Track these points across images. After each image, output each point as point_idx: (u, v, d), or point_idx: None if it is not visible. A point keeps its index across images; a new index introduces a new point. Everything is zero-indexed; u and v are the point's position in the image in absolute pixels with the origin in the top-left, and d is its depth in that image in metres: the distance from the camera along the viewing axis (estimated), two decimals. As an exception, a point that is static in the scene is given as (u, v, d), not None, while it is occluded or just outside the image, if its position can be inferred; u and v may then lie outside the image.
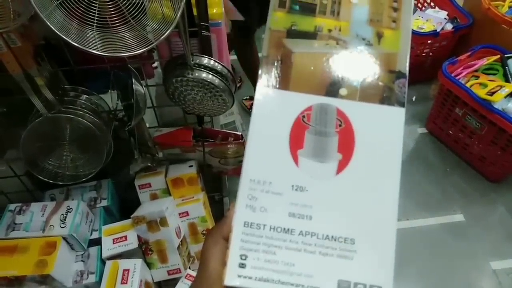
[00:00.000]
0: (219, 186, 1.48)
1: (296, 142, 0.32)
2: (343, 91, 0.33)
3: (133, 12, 0.63)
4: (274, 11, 0.35)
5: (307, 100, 0.33)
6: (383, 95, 0.33)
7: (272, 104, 0.33)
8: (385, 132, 0.32)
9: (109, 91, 1.03)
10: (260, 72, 0.34)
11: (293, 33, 0.35)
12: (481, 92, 1.58)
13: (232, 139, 1.15)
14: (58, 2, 0.57)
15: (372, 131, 0.32)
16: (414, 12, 2.17)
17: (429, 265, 1.48)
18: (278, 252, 0.30)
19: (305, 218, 0.31)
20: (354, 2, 0.35)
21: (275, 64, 0.34)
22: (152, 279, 1.05)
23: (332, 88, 0.33)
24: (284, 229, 0.31)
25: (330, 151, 0.32)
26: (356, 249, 0.30)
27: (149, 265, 1.04)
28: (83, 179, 0.99)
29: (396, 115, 0.33)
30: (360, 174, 0.32)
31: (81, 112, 0.92)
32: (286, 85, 0.34)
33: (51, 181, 0.97)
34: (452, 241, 1.56)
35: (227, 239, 0.32)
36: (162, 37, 0.67)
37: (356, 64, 0.34)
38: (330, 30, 0.35)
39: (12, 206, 1.00)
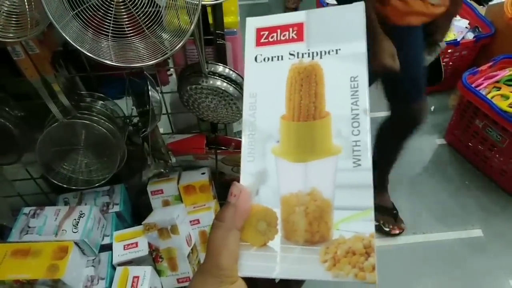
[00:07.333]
0: (232, 194, 1.47)
1: None
2: None
3: (148, 22, 0.63)
4: None
5: None
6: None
7: None
8: None
9: (125, 97, 1.04)
10: None
11: None
12: (503, 104, 1.53)
13: (245, 147, 1.14)
14: (74, 12, 0.57)
15: None
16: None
17: (445, 281, 1.44)
18: None
19: None
20: None
21: None
22: (162, 286, 1.04)
23: None
24: None
25: None
26: None
27: (159, 272, 1.04)
28: (97, 184, 1.00)
29: None
30: None
31: (96, 118, 0.92)
32: None
33: (65, 185, 0.98)
34: (470, 257, 1.51)
35: (239, 230, 0.31)
36: (177, 47, 0.66)
37: None
38: None
39: (26, 210, 1.01)
